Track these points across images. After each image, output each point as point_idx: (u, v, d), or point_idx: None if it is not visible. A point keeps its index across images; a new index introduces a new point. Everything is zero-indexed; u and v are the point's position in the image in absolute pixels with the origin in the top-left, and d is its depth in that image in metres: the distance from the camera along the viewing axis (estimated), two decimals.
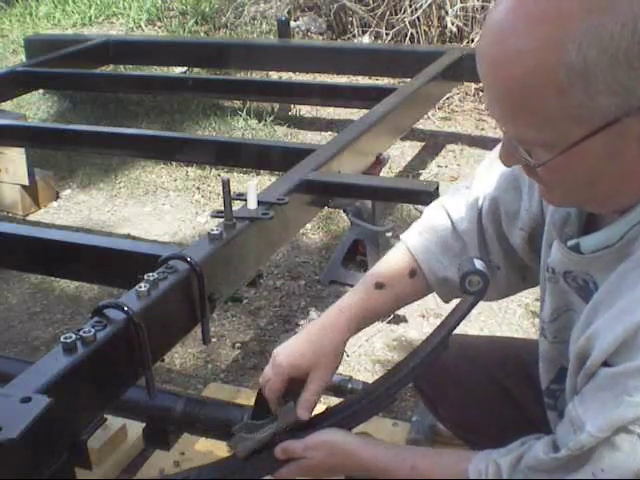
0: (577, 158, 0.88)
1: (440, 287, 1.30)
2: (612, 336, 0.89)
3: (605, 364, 0.91)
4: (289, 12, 5.11)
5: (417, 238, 1.31)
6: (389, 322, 2.44)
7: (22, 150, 3.27)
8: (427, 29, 4.57)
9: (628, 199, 0.93)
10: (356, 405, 1.23)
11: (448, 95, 4.05)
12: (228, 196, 1.60)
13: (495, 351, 1.43)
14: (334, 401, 1.33)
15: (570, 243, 1.02)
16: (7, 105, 3.89)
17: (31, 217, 3.38)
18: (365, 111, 2.76)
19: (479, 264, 1.13)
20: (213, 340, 2.38)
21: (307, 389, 1.20)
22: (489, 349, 1.44)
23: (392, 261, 1.35)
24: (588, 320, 0.96)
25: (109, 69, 4.40)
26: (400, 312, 2.40)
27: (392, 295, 1.29)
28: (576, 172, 0.90)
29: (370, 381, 1.38)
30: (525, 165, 0.95)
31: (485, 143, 3.78)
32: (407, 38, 4.53)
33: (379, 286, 1.28)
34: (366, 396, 1.25)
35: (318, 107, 4.18)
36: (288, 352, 1.23)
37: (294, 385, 1.22)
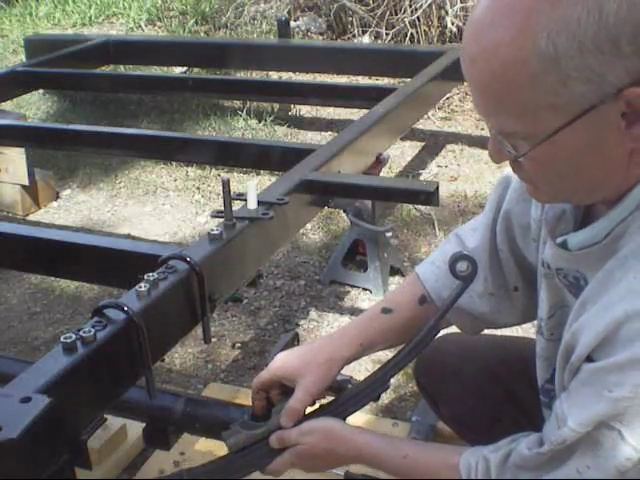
0: (558, 147, 0.89)
1: (453, 316, 1.27)
2: (595, 331, 0.90)
3: (588, 359, 0.92)
4: (289, 12, 5.11)
5: (429, 267, 1.32)
6: None
7: (22, 150, 3.27)
8: (427, 29, 4.57)
9: (615, 189, 0.94)
10: (349, 394, 1.24)
11: (448, 95, 4.04)
12: (228, 196, 1.60)
13: (496, 350, 1.43)
14: None
15: (559, 240, 1.03)
16: (7, 105, 3.89)
17: (31, 217, 3.38)
18: (365, 111, 2.76)
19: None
20: (213, 340, 2.38)
21: (293, 397, 1.21)
22: (490, 348, 1.44)
23: (402, 289, 1.37)
24: (576, 316, 0.97)
25: (109, 69, 4.40)
26: None
27: (399, 320, 1.29)
28: (559, 162, 0.92)
29: None
30: (512, 162, 0.97)
31: (485, 143, 3.73)
32: (407, 38, 4.53)
33: (386, 311, 1.29)
34: (359, 385, 1.25)
35: (318, 107, 4.17)
36: (284, 355, 1.26)
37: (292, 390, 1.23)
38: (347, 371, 1.30)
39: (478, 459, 1.04)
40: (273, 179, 3.12)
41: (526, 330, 2.39)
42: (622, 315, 0.87)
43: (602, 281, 0.93)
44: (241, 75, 4.44)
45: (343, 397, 1.24)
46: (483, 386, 1.40)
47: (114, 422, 1.85)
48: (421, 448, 1.17)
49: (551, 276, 1.07)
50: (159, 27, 5.31)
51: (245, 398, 1.96)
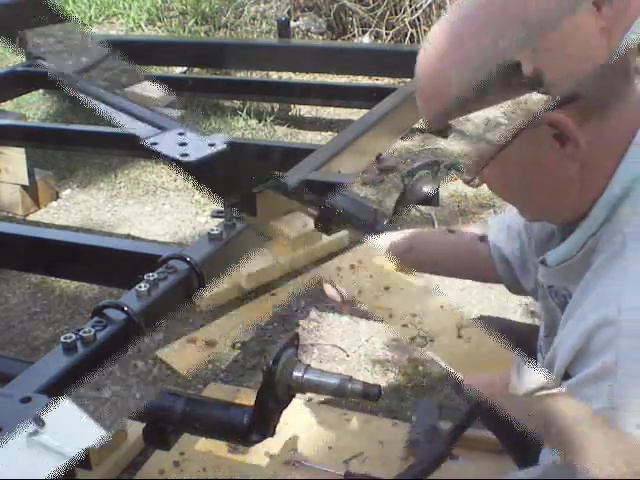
0: (502, 169, 0.96)
1: (499, 262, 1.35)
2: (570, 345, 0.90)
3: (567, 376, 0.91)
4: (289, 12, 5.11)
5: (498, 218, 1.42)
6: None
7: (22, 150, 3.26)
8: (427, 29, 4.57)
9: (579, 207, 0.96)
10: None
11: None
12: None
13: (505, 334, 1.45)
14: (333, 401, 1.33)
15: (540, 258, 1.06)
16: (7, 105, 3.89)
17: (31, 217, 3.38)
18: (365, 111, 2.76)
19: None
20: None
21: None
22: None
23: (471, 225, 1.46)
24: (558, 333, 0.97)
25: None
26: None
27: (458, 241, 1.41)
28: (509, 182, 0.99)
29: (370, 381, 1.38)
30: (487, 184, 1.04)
31: None
32: (407, 38, 4.53)
33: (450, 231, 1.43)
34: None
35: (318, 107, 4.18)
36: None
37: None
38: (347, 371, 1.30)
39: None
40: None
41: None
42: (592, 325, 0.86)
43: (579, 294, 0.95)
44: (241, 75, 4.44)
45: None
46: None
47: None
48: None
49: (545, 296, 1.09)
50: (159, 27, 5.31)
51: (245, 398, 1.97)
